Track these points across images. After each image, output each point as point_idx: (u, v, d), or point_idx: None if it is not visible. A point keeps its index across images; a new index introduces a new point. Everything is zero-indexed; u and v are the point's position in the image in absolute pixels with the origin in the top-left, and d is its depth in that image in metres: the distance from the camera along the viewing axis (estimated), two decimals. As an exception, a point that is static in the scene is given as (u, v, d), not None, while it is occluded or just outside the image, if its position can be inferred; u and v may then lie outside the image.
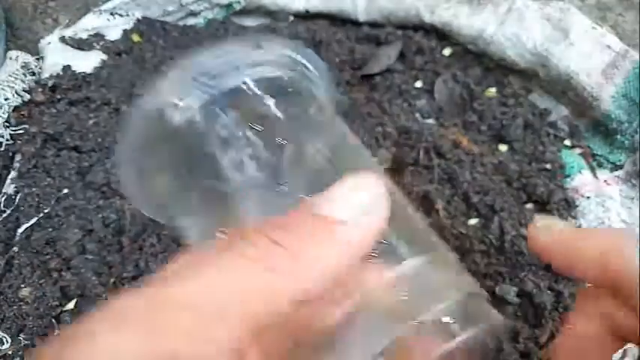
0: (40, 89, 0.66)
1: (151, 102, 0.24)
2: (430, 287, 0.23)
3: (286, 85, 0.26)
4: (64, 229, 0.53)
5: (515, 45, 0.65)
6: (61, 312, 0.49)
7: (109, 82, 0.65)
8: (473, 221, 0.53)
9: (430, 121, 0.62)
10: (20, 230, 0.53)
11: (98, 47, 0.69)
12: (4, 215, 0.56)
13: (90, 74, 0.66)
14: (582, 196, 0.59)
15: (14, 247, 0.52)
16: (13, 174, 0.58)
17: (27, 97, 0.65)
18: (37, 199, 0.55)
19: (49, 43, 0.69)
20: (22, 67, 0.67)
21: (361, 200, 0.19)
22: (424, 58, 0.67)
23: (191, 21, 0.76)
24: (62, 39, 0.69)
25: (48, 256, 0.51)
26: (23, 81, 0.66)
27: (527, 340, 0.49)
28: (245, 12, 0.76)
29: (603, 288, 0.21)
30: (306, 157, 0.25)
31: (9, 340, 0.47)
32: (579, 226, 0.57)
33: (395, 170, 0.56)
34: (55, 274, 0.50)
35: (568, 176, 0.60)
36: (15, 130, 0.62)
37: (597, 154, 0.66)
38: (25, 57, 0.68)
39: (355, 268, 0.19)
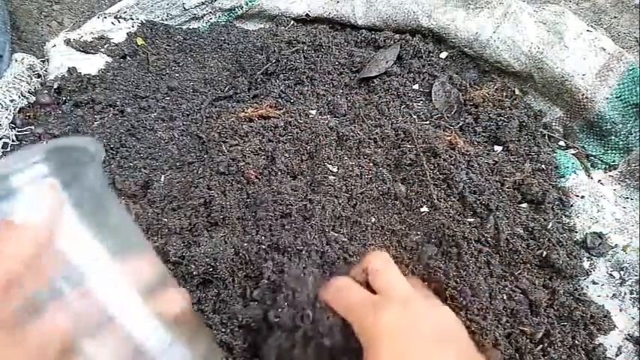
0: (45, 91, 0.67)
1: None
2: None
3: None
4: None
5: (510, 48, 0.66)
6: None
7: (113, 85, 0.66)
8: (469, 220, 0.54)
9: (427, 122, 0.62)
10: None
11: (103, 50, 0.70)
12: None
13: (95, 76, 0.67)
14: (577, 195, 0.60)
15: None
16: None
17: (32, 98, 0.66)
18: (43, 199, 0.56)
19: (55, 45, 0.70)
20: (28, 69, 0.68)
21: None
22: (421, 62, 0.68)
23: (194, 24, 0.77)
24: (67, 42, 0.70)
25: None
26: (29, 83, 0.67)
27: (522, 336, 0.50)
28: (247, 16, 0.78)
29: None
30: None
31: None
32: (574, 225, 0.58)
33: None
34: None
35: (562, 176, 0.61)
36: (21, 131, 0.63)
37: (591, 155, 0.66)
38: (30, 59, 0.69)
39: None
